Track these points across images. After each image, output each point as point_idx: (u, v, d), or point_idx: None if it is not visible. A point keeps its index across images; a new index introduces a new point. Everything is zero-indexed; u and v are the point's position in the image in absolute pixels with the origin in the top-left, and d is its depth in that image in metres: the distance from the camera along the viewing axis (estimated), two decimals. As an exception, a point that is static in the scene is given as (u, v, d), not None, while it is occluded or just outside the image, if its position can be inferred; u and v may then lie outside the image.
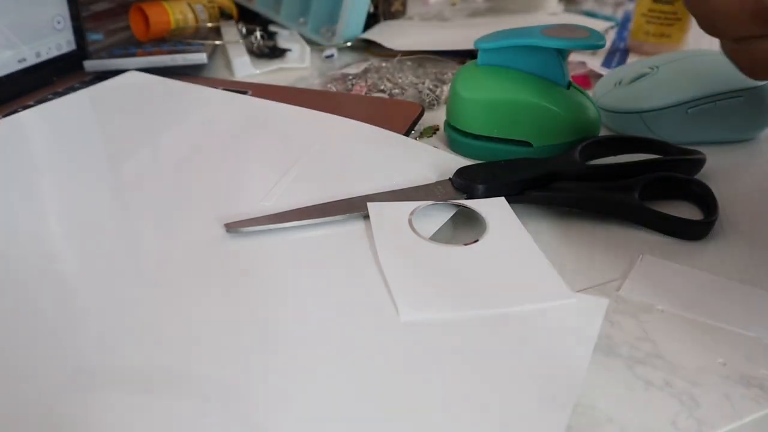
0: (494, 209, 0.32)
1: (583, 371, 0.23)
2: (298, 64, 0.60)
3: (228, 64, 0.60)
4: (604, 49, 0.62)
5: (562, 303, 0.26)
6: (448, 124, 0.42)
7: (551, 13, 0.74)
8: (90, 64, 0.56)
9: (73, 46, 0.56)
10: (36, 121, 0.44)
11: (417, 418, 0.21)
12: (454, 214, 0.33)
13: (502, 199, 0.33)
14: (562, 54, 0.38)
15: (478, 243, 0.30)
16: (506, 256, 0.29)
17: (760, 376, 0.23)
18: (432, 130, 0.45)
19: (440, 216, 0.33)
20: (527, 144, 0.38)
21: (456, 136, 0.41)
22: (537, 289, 0.27)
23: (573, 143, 0.38)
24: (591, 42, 0.37)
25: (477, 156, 0.40)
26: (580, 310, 0.26)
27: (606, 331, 0.26)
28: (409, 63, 0.59)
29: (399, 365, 0.23)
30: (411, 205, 0.32)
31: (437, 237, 0.31)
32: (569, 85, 0.39)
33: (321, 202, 0.33)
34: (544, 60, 0.38)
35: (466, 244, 0.30)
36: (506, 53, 0.39)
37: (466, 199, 0.33)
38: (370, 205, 0.32)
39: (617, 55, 0.62)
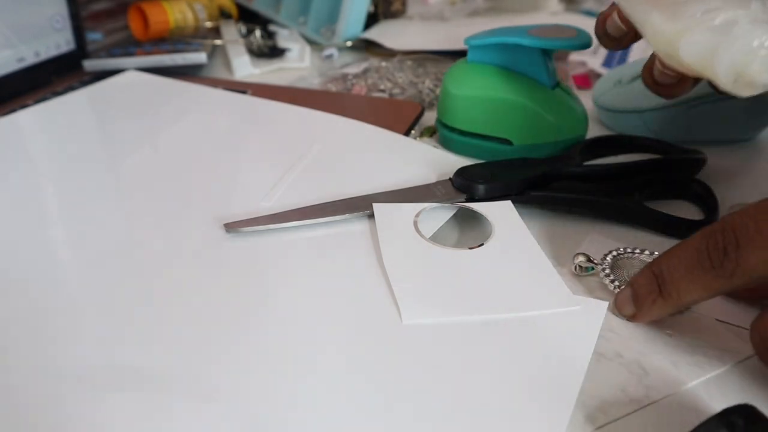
0: (500, 213, 0.32)
1: (583, 372, 0.23)
2: (298, 64, 0.60)
3: (227, 64, 0.60)
4: (604, 48, 0.62)
5: (566, 310, 0.26)
6: (438, 120, 0.42)
7: (552, 13, 0.74)
8: (89, 64, 0.55)
9: (72, 46, 0.56)
10: (35, 120, 0.44)
11: (418, 419, 0.21)
12: (459, 217, 0.33)
13: (509, 202, 0.33)
14: (547, 54, 0.38)
15: (483, 247, 0.30)
16: (511, 261, 0.29)
17: (703, 344, 0.25)
18: (432, 130, 0.45)
19: (446, 218, 0.32)
20: (508, 142, 0.38)
21: (444, 132, 0.41)
22: (541, 296, 0.27)
23: (555, 144, 0.38)
24: (576, 42, 0.37)
25: (463, 152, 0.40)
26: (580, 314, 0.26)
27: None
28: (409, 63, 0.59)
29: (400, 367, 0.23)
30: (416, 206, 0.32)
31: (442, 240, 0.31)
32: (556, 86, 0.39)
33: (321, 202, 0.33)
34: (529, 59, 0.38)
35: (471, 248, 0.30)
36: (494, 51, 0.39)
37: (466, 199, 0.33)
38: (375, 205, 0.32)
39: (617, 55, 0.62)
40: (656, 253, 0.28)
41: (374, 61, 0.60)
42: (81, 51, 0.57)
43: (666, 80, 0.32)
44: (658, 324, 0.26)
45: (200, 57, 0.55)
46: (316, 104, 0.45)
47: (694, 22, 0.24)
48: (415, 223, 0.31)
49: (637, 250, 0.29)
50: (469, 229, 0.33)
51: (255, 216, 0.32)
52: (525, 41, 0.37)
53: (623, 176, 0.35)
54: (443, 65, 0.58)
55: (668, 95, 0.33)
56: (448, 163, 0.37)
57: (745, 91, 0.24)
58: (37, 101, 0.47)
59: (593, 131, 0.42)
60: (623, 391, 0.23)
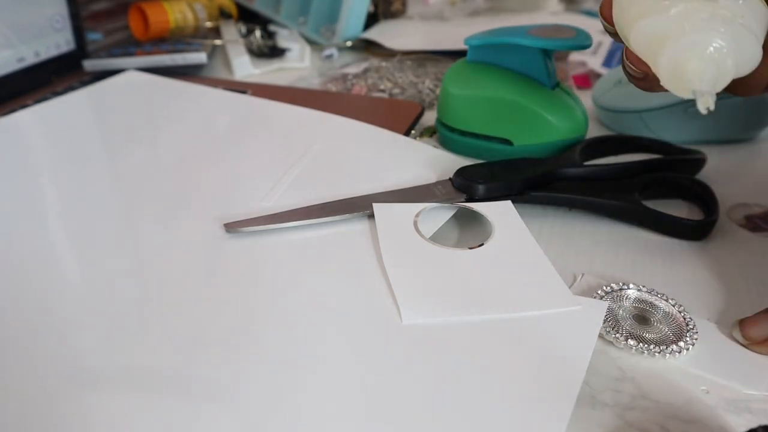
0: (500, 213, 0.32)
1: (583, 372, 0.23)
2: (298, 64, 0.60)
3: (228, 64, 0.60)
4: (604, 48, 0.62)
5: (566, 310, 0.26)
6: (438, 120, 0.42)
7: (552, 13, 0.74)
8: (89, 64, 0.55)
9: (72, 46, 0.56)
10: (35, 120, 0.44)
11: (418, 419, 0.21)
12: (459, 217, 0.33)
13: (509, 202, 0.33)
14: (547, 54, 0.38)
15: (483, 247, 0.30)
16: (511, 261, 0.29)
17: (744, 398, 0.23)
18: (432, 130, 0.45)
19: (445, 218, 0.32)
20: (508, 142, 0.38)
21: (444, 132, 0.41)
22: (541, 296, 0.27)
23: (555, 144, 0.38)
24: (576, 42, 0.37)
25: (463, 152, 0.40)
26: (581, 314, 0.26)
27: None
28: (409, 63, 0.59)
29: (400, 367, 0.23)
30: (416, 206, 0.32)
31: (442, 240, 0.31)
32: (556, 86, 0.39)
33: (321, 202, 0.33)
34: (528, 59, 0.38)
35: (471, 248, 0.30)
36: (494, 51, 0.39)
37: (466, 198, 0.33)
38: (375, 205, 0.32)
39: (617, 55, 0.62)
40: (643, 287, 0.27)
41: (374, 61, 0.60)
42: (81, 51, 0.57)
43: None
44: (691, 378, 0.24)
45: (200, 57, 0.55)
46: (316, 104, 0.45)
47: (654, 7, 0.23)
48: (415, 223, 0.31)
49: (624, 285, 0.28)
50: (469, 229, 0.33)
51: (255, 216, 0.32)
52: (525, 41, 0.37)
53: (623, 176, 0.35)
54: (443, 65, 0.58)
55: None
56: (448, 163, 0.37)
57: (680, 90, 0.23)
58: (37, 101, 0.47)
59: (593, 131, 0.42)
60: None
